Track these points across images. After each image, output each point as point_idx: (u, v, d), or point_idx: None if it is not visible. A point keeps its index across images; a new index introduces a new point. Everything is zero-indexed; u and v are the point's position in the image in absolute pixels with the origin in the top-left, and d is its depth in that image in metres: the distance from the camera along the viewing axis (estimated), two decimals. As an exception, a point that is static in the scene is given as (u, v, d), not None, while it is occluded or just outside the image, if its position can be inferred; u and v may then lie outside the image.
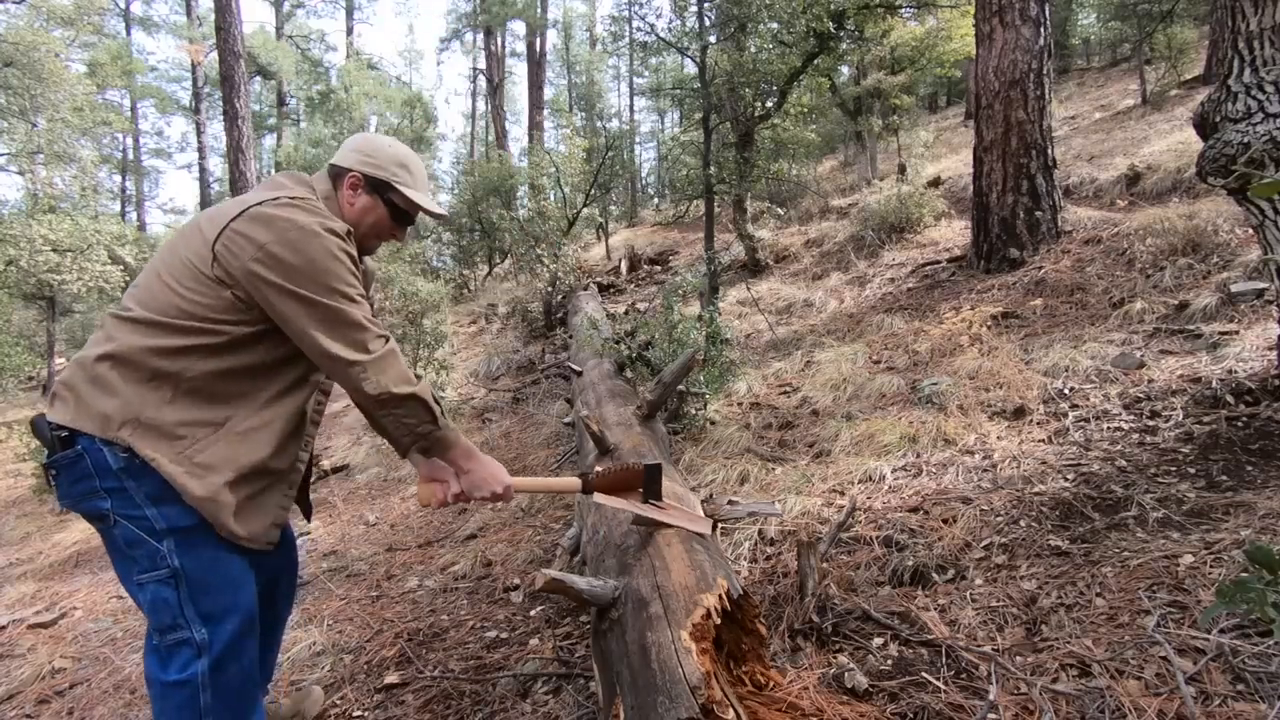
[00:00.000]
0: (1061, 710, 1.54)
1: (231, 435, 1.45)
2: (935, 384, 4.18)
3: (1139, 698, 1.52)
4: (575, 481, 1.78)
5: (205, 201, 15.95)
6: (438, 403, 1.54)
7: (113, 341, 1.43)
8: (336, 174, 1.62)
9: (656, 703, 1.28)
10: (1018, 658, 1.77)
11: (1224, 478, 2.60)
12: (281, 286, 1.40)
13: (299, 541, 2.06)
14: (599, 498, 1.77)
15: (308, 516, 1.88)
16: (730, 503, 2.40)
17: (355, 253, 1.50)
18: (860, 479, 3.24)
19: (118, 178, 23.23)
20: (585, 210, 12.28)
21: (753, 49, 8.72)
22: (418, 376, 1.50)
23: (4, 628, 3.71)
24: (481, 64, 24.89)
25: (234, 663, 1.46)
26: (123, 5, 21.37)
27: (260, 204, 1.44)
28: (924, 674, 1.75)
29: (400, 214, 1.66)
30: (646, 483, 1.82)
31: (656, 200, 23.79)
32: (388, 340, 1.48)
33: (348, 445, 6.55)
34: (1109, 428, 3.29)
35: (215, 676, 1.43)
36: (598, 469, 1.85)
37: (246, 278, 1.41)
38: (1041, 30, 6.31)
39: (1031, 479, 2.88)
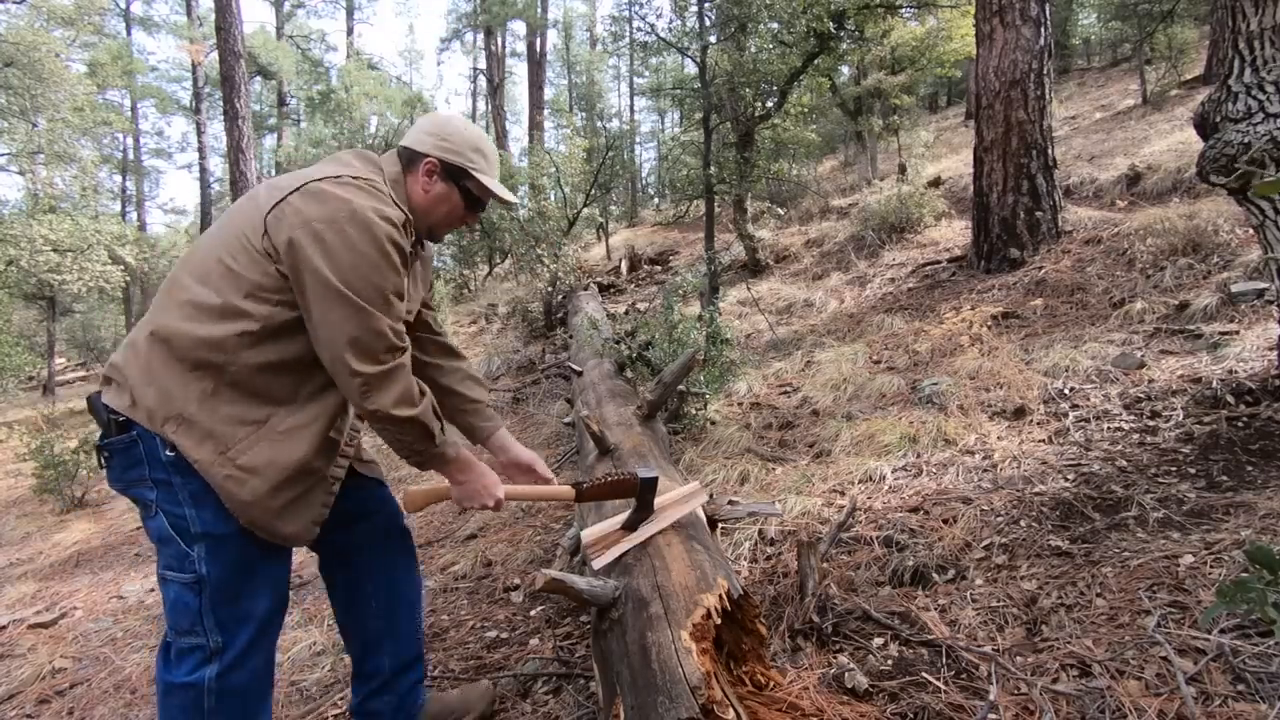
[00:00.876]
0: (1062, 710, 1.54)
1: (273, 434, 1.41)
2: (935, 384, 4.18)
3: (1139, 698, 1.52)
4: (569, 490, 1.77)
5: (205, 202, 15.95)
6: (439, 418, 1.50)
7: (164, 318, 1.40)
8: (410, 158, 1.56)
9: (657, 703, 1.27)
10: (1018, 658, 1.77)
11: (1224, 478, 2.60)
12: (315, 268, 1.33)
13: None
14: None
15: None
16: (730, 503, 2.40)
17: (406, 245, 1.44)
18: (860, 479, 3.23)
19: (118, 178, 23.23)
20: (585, 210, 12.28)
21: (753, 49, 8.72)
22: (421, 393, 1.45)
23: (4, 628, 3.71)
24: (482, 64, 24.92)
25: (242, 669, 1.44)
26: (123, 5, 21.38)
27: (321, 179, 1.39)
28: (924, 674, 1.75)
29: (474, 201, 1.61)
30: (640, 494, 1.80)
31: (657, 200, 23.80)
32: (402, 353, 1.42)
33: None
34: (1109, 428, 3.29)
35: (222, 682, 1.41)
36: (594, 478, 1.84)
37: (286, 249, 1.34)
38: (1042, 30, 6.31)
39: (1032, 479, 2.88)
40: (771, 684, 1.62)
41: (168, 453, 1.36)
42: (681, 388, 4.09)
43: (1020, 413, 3.66)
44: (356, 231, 1.35)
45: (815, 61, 9.22)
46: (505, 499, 1.66)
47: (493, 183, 1.59)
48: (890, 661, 1.84)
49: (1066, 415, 3.52)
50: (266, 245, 1.37)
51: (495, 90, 23.04)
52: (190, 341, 1.37)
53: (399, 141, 1.61)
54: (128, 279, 15.38)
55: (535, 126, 22.67)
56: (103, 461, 1.44)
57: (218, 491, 1.37)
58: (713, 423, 4.31)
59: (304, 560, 4.03)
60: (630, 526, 1.82)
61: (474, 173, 1.56)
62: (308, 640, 2.70)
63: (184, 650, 1.42)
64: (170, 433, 1.36)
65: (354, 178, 1.41)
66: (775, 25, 8.68)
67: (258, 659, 1.47)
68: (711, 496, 2.58)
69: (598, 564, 1.75)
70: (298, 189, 1.38)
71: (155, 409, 1.36)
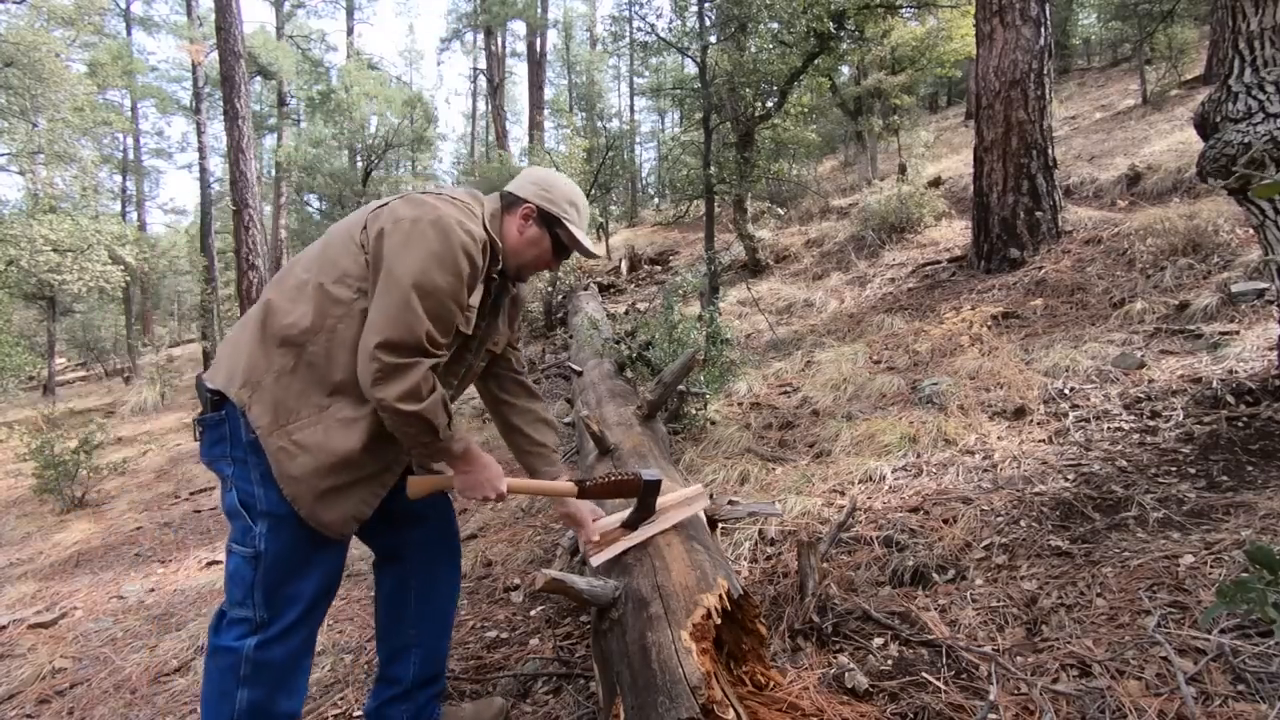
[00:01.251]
0: (1062, 710, 1.54)
1: (331, 420, 1.49)
2: (935, 384, 4.18)
3: (1139, 698, 1.52)
4: (571, 487, 1.78)
5: (205, 202, 15.90)
6: (448, 412, 1.52)
7: (271, 294, 1.53)
8: (511, 201, 1.69)
9: (657, 703, 1.27)
10: (1018, 658, 1.77)
11: (1224, 478, 2.60)
12: (389, 254, 1.44)
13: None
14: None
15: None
16: (730, 503, 2.40)
17: (480, 262, 1.53)
18: (860, 479, 3.23)
19: (118, 178, 23.19)
20: (585, 210, 12.24)
21: (753, 49, 8.73)
22: (431, 390, 1.47)
23: (4, 628, 3.71)
24: (482, 64, 24.92)
25: (281, 645, 1.53)
26: (123, 5, 21.36)
27: (424, 192, 1.55)
28: (924, 674, 1.75)
29: (561, 248, 1.73)
30: (642, 495, 1.80)
31: (657, 200, 23.80)
32: (426, 358, 1.46)
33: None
34: (1109, 428, 3.29)
35: (260, 653, 1.51)
36: (596, 476, 1.83)
37: (375, 239, 1.47)
38: (1042, 30, 6.31)
39: (1032, 479, 2.88)
40: (771, 684, 1.62)
41: (249, 435, 1.47)
42: (681, 388, 4.09)
43: (1020, 413, 3.66)
44: (435, 233, 1.46)
45: (815, 61, 9.22)
46: (508, 492, 1.68)
47: (581, 235, 1.71)
48: (890, 661, 1.84)
49: (1066, 415, 3.52)
50: (363, 238, 1.51)
51: (495, 90, 23.04)
52: (281, 319, 1.49)
53: (505, 187, 1.75)
54: (128, 279, 15.37)
55: (535, 126, 22.66)
56: (197, 436, 1.57)
57: (270, 462, 1.46)
58: (713, 423, 4.31)
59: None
60: (630, 525, 1.82)
61: (567, 223, 1.69)
62: (308, 640, 2.70)
63: (233, 620, 1.53)
64: (245, 396, 1.47)
65: (452, 197, 1.57)
66: (775, 25, 8.68)
67: (298, 638, 1.55)
68: (712, 497, 2.58)
69: (596, 561, 1.75)
70: (402, 196, 1.55)
71: (237, 375, 1.48)
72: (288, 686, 1.56)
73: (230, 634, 1.52)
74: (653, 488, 1.80)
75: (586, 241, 1.72)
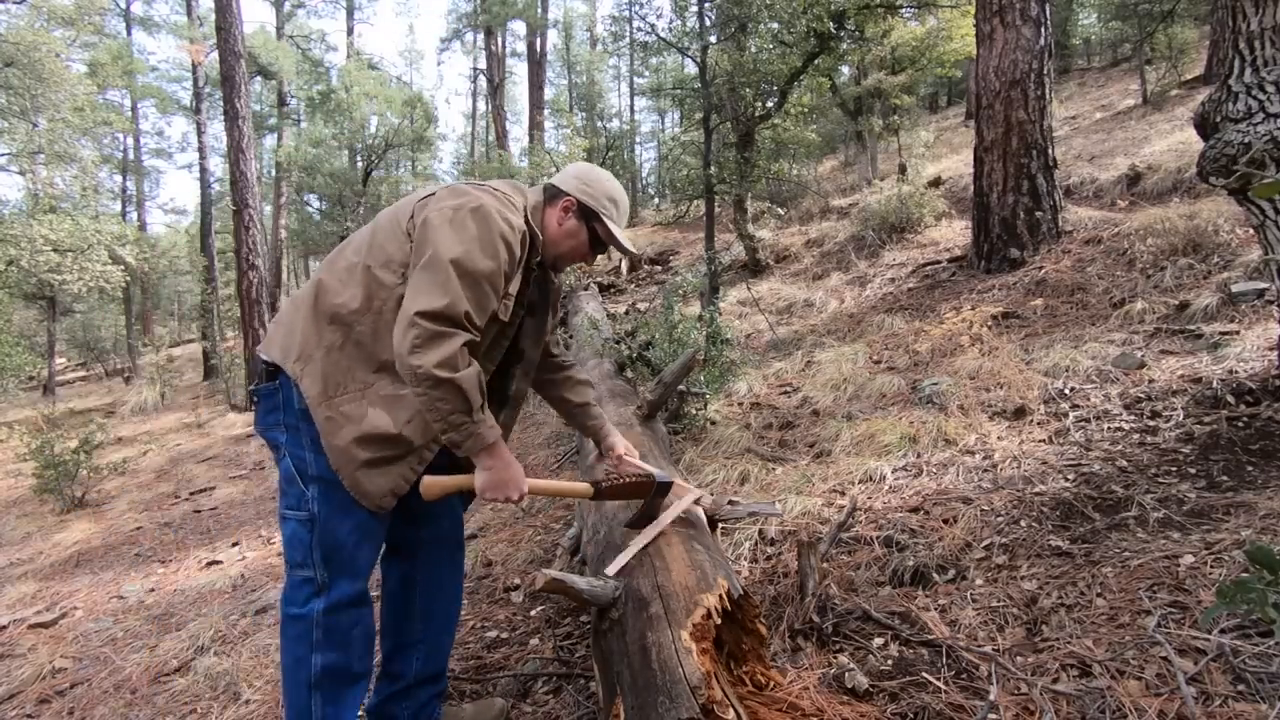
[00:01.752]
0: (1062, 710, 1.54)
1: (374, 396, 1.56)
2: (936, 384, 4.18)
3: (1139, 698, 1.52)
4: (587, 488, 1.80)
5: (206, 201, 15.91)
6: (483, 392, 1.53)
7: (322, 275, 1.62)
8: (553, 194, 1.74)
9: (657, 702, 1.27)
10: (1018, 658, 1.77)
11: (1224, 478, 2.60)
12: (433, 240, 1.50)
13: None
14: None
15: (465, 504, 1.93)
16: (731, 503, 2.39)
17: (519, 251, 1.59)
18: (861, 479, 3.23)
19: (118, 178, 23.17)
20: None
21: (753, 49, 8.72)
22: (468, 364, 1.49)
23: (5, 628, 3.71)
24: (482, 64, 24.91)
25: (347, 612, 1.60)
26: (123, 5, 21.34)
27: (467, 183, 1.63)
28: (924, 674, 1.75)
29: (597, 242, 1.77)
30: (651, 497, 1.81)
31: (657, 200, 23.80)
32: (464, 331, 1.48)
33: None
34: (1109, 428, 3.29)
35: (327, 618, 1.58)
36: (611, 477, 1.85)
37: (420, 226, 1.54)
38: (1042, 30, 6.31)
39: (1032, 479, 2.87)
40: (771, 684, 1.62)
41: (301, 404, 1.56)
42: (682, 388, 4.09)
43: (1020, 413, 3.66)
44: (476, 221, 1.52)
45: (815, 61, 9.22)
46: (527, 493, 1.68)
47: (619, 231, 1.76)
48: (890, 661, 1.84)
49: (1067, 415, 3.52)
50: (409, 226, 1.58)
51: (495, 90, 23.04)
52: (332, 299, 1.57)
53: (548, 181, 1.82)
54: (128, 279, 15.37)
55: (535, 126, 22.67)
56: (252, 406, 1.69)
57: (318, 431, 1.54)
58: (713, 423, 4.31)
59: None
60: (634, 526, 1.82)
61: (605, 218, 1.74)
62: (308, 640, 2.70)
63: (296, 583, 1.61)
64: (298, 369, 1.56)
65: (494, 189, 1.64)
66: (775, 25, 8.68)
67: (362, 604, 1.63)
68: (712, 496, 2.58)
69: (612, 570, 1.74)
70: (447, 187, 1.63)
71: (290, 349, 1.58)
72: (359, 648, 1.64)
73: (298, 598, 1.60)
74: (664, 489, 1.83)
75: (623, 239, 1.76)
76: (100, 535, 5.63)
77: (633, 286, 11.40)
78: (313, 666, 1.58)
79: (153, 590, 4.04)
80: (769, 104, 9.26)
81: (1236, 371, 3.50)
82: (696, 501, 1.97)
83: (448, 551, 1.88)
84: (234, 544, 4.71)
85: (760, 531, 2.77)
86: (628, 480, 1.83)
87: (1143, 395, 3.52)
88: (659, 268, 12.28)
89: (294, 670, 1.60)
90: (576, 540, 2.73)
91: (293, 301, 1.67)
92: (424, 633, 1.84)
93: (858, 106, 12.51)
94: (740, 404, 4.82)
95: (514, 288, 1.62)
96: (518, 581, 2.94)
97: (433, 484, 1.64)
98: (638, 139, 27.65)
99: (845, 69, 13.33)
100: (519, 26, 25.54)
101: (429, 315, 1.44)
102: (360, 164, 16.68)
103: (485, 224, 1.52)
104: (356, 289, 1.56)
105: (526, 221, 1.63)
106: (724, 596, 1.53)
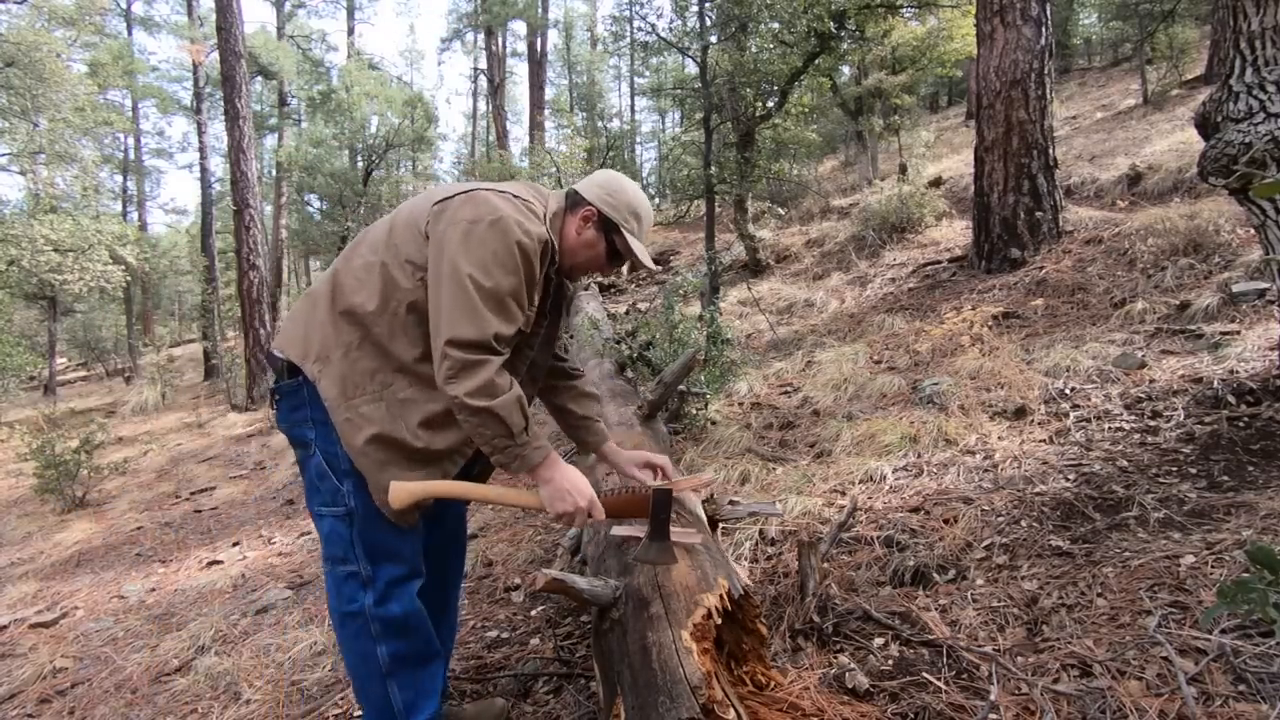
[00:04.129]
0: (1062, 711, 1.54)
1: (392, 400, 1.53)
2: (936, 384, 4.18)
3: (1140, 698, 1.52)
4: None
5: (206, 201, 15.92)
6: (525, 415, 1.50)
7: (337, 273, 1.58)
8: (575, 201, 1.68)
9: (657, 702, 1.27)
10: (1019, 658, 1.77)
11: (1225, 478, 2.60)
12: (451, 255, 1.46)
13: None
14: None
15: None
16: (731, 503, 2.39)
17: (538, 263, 1.54)
18: (861, 479, 3.23)
19: (119, 178, 23.18)
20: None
21: (753, 49, 8.72)
22: (509, 388, 1.47)
23: (5, 627, 3.71)
24: (482, 64, 24.92)
25: (398, 602, 1.57)
26: (124, 5, 21.34)
27: (487, 189, 1.56)
28: (925, 674, 1.75)
29: (615, 255, 1.72)
30: (654, 510, 1.65)
31: (657, 200, 23.77)
32: (496, 355, 1.46)
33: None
34: (1110, 428, 3.29)
35: (379, 610, 1.55)
36: (604, 492, 1.74)
37: (437, 237, 1.50)
38: (1043, 30, 6.31)
39: (1033, 479, 2.87)
40: (772, 684, 1.62)
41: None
42: (682, 388, 4.09)
43: (1021, 413, 3.66)
44: (494, 234, 1.47)
45: (816, 61, 9.21)
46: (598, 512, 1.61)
47: (638, 246, 1.69)
48: (891, 661, 1.84)
49: (1067, 415, 3.52)
50: (427, 229, 1.53)
51: (496, 90, 23.04)
52: (350, 296, 1.54)
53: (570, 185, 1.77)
54: (128, 279, 15.38)
55: (536, 126, 22.67)
56: (273, 404, 1.62)
57: (338, 434, 1.51)
58: (713, 423, 4.31)
59: (305, 560, 4.03)
60: (644, 558, 1.66)
61: (625, 231, 1.68)
62: (308, 640, 2.70)
63: (340, 579, 1.57)
64: (316, 371, 1.53)
65: (514, 195, 1.57)
66: (776, 25, 8.68)
67: (409, 590, 1.60)
68: (712, 497, 2.58)
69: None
70: (466, 192, 1.55)
71: (308, 349, 1.55)
72: (421, 634, 1.62)
73: (346, 594, 1.57)
74: (663, 498, 1.65)
75: (641, 253, 1.69)
76: (101, 535, 5.64)
77: (633, 286, 11.40)
78: (380, 658, 1.57)
79: (153, 590, 4.04)
80: (769, 104, 9.26)
81: (1237, 371, 3.50)
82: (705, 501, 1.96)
83: (450, 552, 1.88)
84: (235, 544, 4.71)
85: (761, 531, 2.77)
86: (621, 493, 1.72)
87: (1143, 395, 3.52)
88: (659, 268, 12.28)
89: (362, 666, 1.58)
90: (577, 540, 2.73)
91: (309, 297, 1.62)
92: (445, 614, 1.84)
93: (858, 106, 12.50)
94: (741, 404, 4.82)
95: (537, 297, 1.58)
96: (518, 581, 2.94)
97: (449, 487, 1.61)
98: (638, 139, 27.68)
99: (846, 69, 13.33)
100: (519, 26, 25.56)
101: (459, 344, 1.42)
102: (361, 164, 16.69)
103: (504, 238, 1.47)
104: (374, 289, 1.53)
105: (547, 229, 1.57)
106: (724, 596, 1.53)
